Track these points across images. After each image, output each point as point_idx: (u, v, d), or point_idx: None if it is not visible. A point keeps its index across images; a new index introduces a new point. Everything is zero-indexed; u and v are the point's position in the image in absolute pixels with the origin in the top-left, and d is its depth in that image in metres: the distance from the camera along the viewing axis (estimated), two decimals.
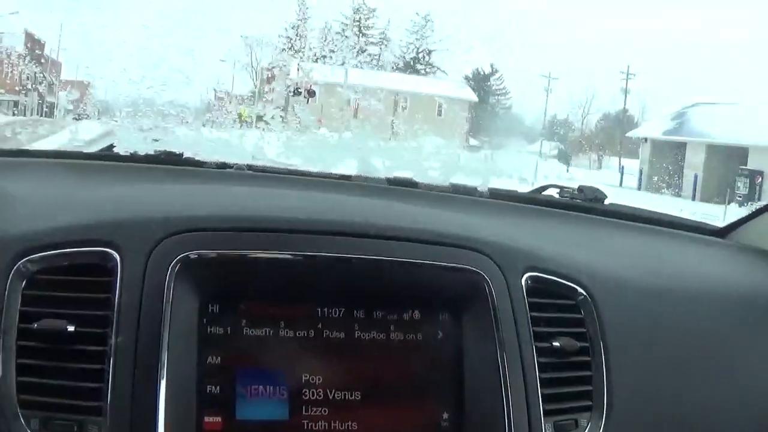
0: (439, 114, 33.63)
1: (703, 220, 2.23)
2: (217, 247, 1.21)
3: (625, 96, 40.19)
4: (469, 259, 1.31)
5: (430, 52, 37.21)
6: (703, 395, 1.52)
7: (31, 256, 1.19)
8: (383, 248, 1.28)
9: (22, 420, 1.12)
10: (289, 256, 1.23)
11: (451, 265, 1.30)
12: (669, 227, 2.05)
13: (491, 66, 37.73)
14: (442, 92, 33.89)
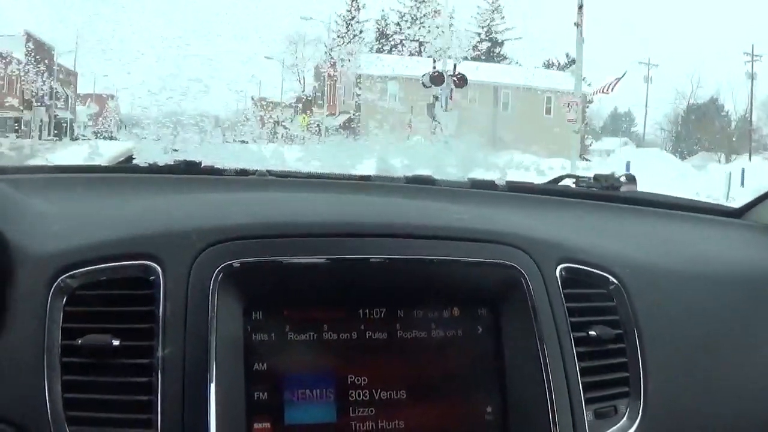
0: (548, 112, 30.10)
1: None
2: (258, 255, 1.22)
3: (752, 82, 35.62)
4: (505, 254, 1.32)
5: (501, 42, 34.96)
6: (734, 376, 1.54)
7: (72, 272, 1.19)
8: (420, 248, 1.29)
9: None
10: (330, 260, 1.24)
11: (488, 260, 1.31)
12: (687, 211, 2.06)
13: (566, 55, 34.77)
14: (546, 83, 29.72)
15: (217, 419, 1.11)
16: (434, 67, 18.95)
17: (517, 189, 1.94)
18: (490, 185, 1.90)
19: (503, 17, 34.80)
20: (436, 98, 18.47)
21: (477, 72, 27.34)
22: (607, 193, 2.06)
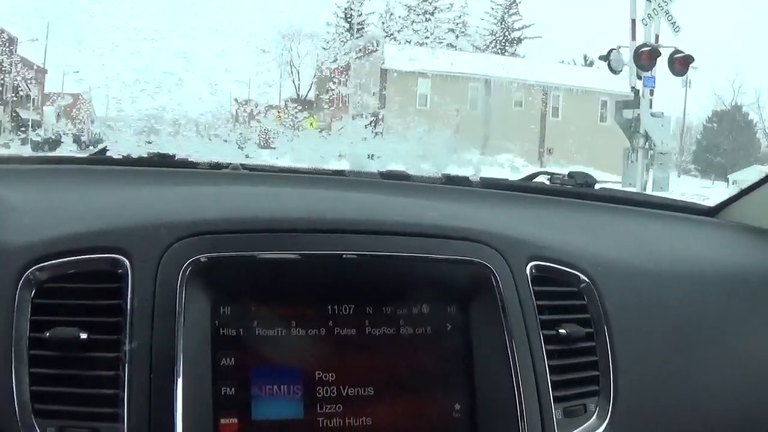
0: (603, 119, 24.81)
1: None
2: (226, 250, 1.21)
3: None
4: (474, 251, 1.32)
5: (519, 41, 32.08)
6: (705, 375, 1.55)
7: (41, 265, 1.19)
8: (390, 244, 1.29)
9: (38, 429, 1.12)
10: (299, 256, 1.24)
11: (457, 257, 1.31)
12: (661, 209, 2.07)
13: (584, 57, 30.50)
14: (600, 85, 23.54)
15: (183, 414, 1.11)
16: (634, 38, 12.31)
17: (491, 185, 1.95)
18: (464, 181, 1.90)
19: (518, 13, 32.51)
20: (636, 92, 12.21)
21: (522, 68, 24.46)
22: (582, 191, 2.06)
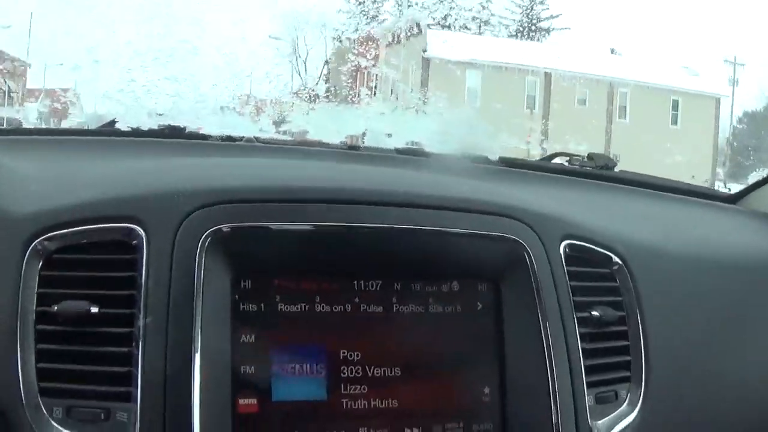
0: (674, 121, 21.93)
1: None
2: (249, 220, 1.14)
3: None
4: (508, 228, 1.26)
5: (547, 31, 29.66)
6: (736, 363, 1.50)
7: (49, 235, 1.12)
8: (420, 217, 1.22)
9: (44, 409, 1.06)
10: (325, 228, 1.18)
11: (490, 233, 1.25)
12: (682, 194, 2.03)
13: (611, 51, 26.77)
14: (672, 82, 20.71)
15: (201, 394, 1.05)
16: None
17: (511, 164, 1.90)
18: (483, 160, 1.85)
19: (544, 2, 30.88)
20: None
21: (579, 60, 20.48)
22: (602, 173, 2.01)
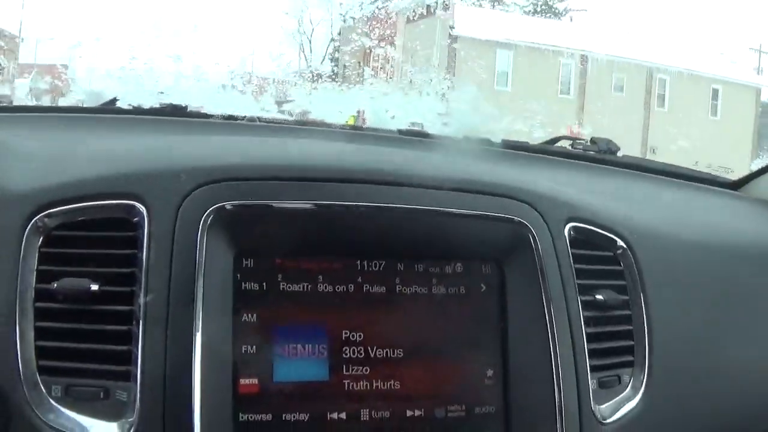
0: (714, 112, 20.36)
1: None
2: (252, 198, 1.13)
3: None
4: (512, 209, 1.25)
5: (563, 12, 27.06)
6: (739, 349, 1.49)
7: (49, 211, 1.11)
8: (425, 197, 1.21)
9: (42, 387, 1.05)
10: (328, 206, 1.16)
11: (495, 214, 1.24)
12: (685, 179, 2.02)
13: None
14: (713, 71, 18.95)
15: (201, 373, 1.03)
16: None
17: (514, 147, 1.88)
18: (486, 142, 1.83)
19: None
20: None
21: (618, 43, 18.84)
22: (605, 157, 2.00)
